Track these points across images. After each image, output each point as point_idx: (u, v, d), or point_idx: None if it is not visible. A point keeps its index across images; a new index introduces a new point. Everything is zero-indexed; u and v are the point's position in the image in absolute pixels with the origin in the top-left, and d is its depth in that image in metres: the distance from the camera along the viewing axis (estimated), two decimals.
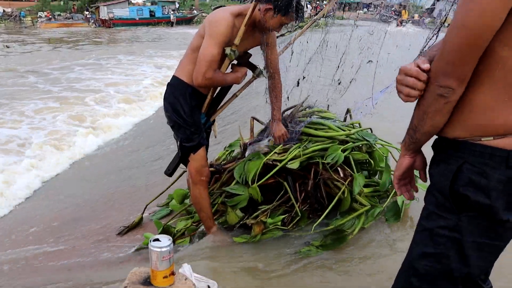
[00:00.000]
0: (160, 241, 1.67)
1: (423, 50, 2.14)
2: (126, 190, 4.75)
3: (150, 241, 1.68)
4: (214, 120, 3.07)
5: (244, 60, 2.86)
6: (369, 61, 2.95)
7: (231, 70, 2.83)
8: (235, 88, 3.02)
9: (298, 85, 3.32)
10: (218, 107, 3.02)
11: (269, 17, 2.59)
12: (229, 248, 2.85)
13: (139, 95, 11.27)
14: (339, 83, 3.28)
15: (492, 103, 1.24)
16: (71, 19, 44.57)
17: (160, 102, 10.01)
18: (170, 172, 3.05)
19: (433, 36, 1.93)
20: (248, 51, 2.91)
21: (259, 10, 2.57)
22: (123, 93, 11.41)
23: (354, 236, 2.79)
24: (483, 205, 1.25)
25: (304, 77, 3.29)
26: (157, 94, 10.71)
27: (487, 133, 1.25)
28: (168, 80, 2.86)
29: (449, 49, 1.22)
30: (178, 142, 2.82)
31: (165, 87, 2.86)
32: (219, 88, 2.97)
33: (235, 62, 2.86)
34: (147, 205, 3.58)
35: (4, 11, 45.50)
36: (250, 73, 3.03)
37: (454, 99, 1.26)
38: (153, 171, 5.04)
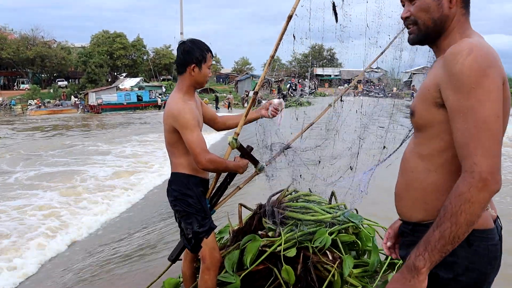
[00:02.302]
0: None
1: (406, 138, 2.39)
2: (118, 278, 4.68)
3: None
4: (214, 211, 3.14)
5: (245, 152, 2.95)
6: (384, 147, 3.11)
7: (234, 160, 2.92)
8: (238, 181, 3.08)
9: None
10: (221, 199, 3.06)
11: (198, 72, 2.82)
12: None
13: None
14: (351, 168, 3.33)
15: (450, 186, 1.38)
16: (60, 106, 45.50)
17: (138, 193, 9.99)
18: (173, 258, 3.07)
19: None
20: (250, 145, 3.03)
21: (191, 73, 2.79)
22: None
23: None
24: (451, 280, 1.40)
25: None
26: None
27: None
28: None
29: (494, 140, 1.30)
30: (190, 231, 2.85)
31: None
32: (225, 176, 3.04)
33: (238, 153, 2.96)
34: None
35: None
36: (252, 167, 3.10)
37: None
38: (150, 255, 5.00)
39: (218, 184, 3.01)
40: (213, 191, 2.99)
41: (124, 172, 12.46)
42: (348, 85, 3.75)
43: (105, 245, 6.43)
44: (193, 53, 2.79)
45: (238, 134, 2.84)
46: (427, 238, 1.33)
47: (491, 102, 1.30)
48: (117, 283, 4.53)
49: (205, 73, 2.87)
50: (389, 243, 1.77)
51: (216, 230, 3.69)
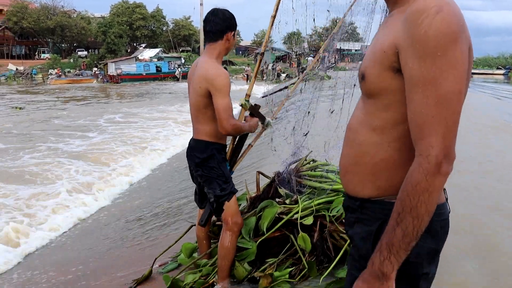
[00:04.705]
0: None
1: None
2: (137, 241, 4.81)
3: None
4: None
5: (256, 111, 3.03)
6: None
7: (245, 121, 3.01)
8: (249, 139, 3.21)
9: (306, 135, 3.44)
10: (238, 158, 3.15)
11: (232, 39, 2.93)
12: None
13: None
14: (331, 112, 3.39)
15: (403, 162, 1.25)
16: (80, 76, 45.93)
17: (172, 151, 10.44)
18: (203, 223, 3.14)
19: None
20: (256, 103, 3.09)
21: (228, 40, 2.86)
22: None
23: None
24: (406, 261, 1.22)
25: (309, 112, 3.42)
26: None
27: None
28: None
29: (453, 120, 1.15)
30: (212, 195, 2.93)
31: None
32: (237, 138, 3.10)
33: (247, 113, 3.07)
34: (156, 258, 3.62)
35: (17, 69, 47.06)
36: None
37: None
38: (165, 223, 5.09)
39: (234, 146, 3.09)
40: (231, 153, 3.07)
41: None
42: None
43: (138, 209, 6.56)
44: (232, 19, 2.88)
45: (249, 96, 2.93)
46: (389, 240, 1.18)
47: (456, 74, 1.13)
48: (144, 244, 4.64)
49: (235, 40, 2.97)
50: None
51: None
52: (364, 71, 1.34)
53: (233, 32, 2.89)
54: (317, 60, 3.68)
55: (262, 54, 3.04)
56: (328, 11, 3.02)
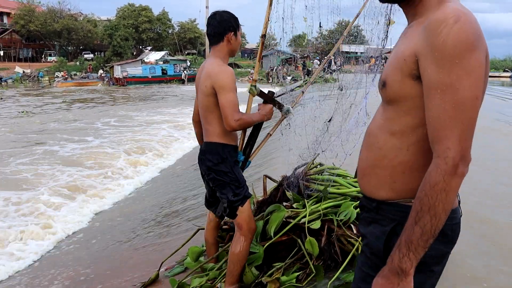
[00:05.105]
0: None
1: None
2: (144, 244, 4.81)
3: None
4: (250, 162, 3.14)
5: (268, 97, 2.95)
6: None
7: (258, 109, 2.94)
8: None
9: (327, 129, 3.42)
10: (255, 148, 3.07)
11: (234, 39, 2.90)
12: None
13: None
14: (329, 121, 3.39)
15: (421, 165, 1.30)
16: (86, 78, 46.15)
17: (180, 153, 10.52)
18: (220, 214, 3.07)
19: None
20: (270, 90, 3.04)
21: (229, 41, 2.85)
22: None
23: None
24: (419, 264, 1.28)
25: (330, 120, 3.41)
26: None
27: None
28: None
29: (469, 124, 1.20)
30: (225, 200, 2.87)
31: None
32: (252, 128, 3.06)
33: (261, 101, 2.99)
34: (162, 262, 3.62)
35: (24, 72, 47.38)
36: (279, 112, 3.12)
37: None
38: (171, 227, 5.09)
39: (247, 135, 3.05)
40: (244, 143, 3.01)
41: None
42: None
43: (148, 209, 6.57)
44: (230, 20, 2.86)
45: (256, 81, 2.87)
46: (408, 237, 1.24)
47: (473, 81, 1.18)
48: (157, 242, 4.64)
49: (239, 41, 2.95)
50: None
51: None
52: (385, 78, 1.40)
53: (233, 32, 2.86)
54: (325, 63, 3.66)
55: (264, 36, 2.99)
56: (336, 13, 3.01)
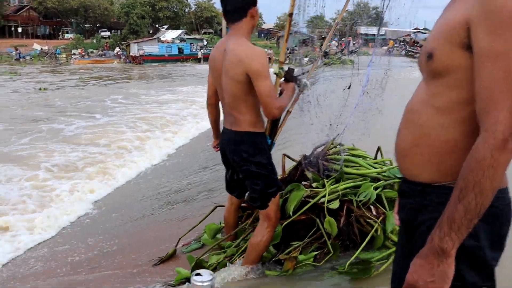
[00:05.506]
0: (201, 275, 1.73)
1: None
2: (163, 220, 4.89)
3: (192, 275, 1.74)
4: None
5: (290, 75, 2.85)
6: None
7: (281, 90, 2.84)
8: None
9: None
10: (278, 127, 2.98)
11: (256, 15, 2.66)
12: (261, 280, 2.87)
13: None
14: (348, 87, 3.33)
15: (468, 145, 1.19)
16: (103, 56, 46.24)
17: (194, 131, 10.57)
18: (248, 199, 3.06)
19: None
20: (289, 67, 2.93)
21: (252, 17, 2.62)
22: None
23: (381, 273, 2.75)
24: (471, 248, 1.22)
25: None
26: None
27: None
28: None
29: None
30: (258, 191, 2.74)
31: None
32: None
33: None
34: (180, 238, 3.65)
35: (41, 49, 47.65)
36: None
37: None
38: (191, 202, 5.14)
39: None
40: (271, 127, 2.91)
41: None
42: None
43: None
44: None
45: (283, 63, 2.78)
46: (450, 215, 1.15)
47: None
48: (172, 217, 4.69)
49: (259, 16, 2.73)
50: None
51: None
52: (431, 50, 1.28)
53: (256, 7, 2.61)
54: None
55: (291, 15, 2.86)
56: None
